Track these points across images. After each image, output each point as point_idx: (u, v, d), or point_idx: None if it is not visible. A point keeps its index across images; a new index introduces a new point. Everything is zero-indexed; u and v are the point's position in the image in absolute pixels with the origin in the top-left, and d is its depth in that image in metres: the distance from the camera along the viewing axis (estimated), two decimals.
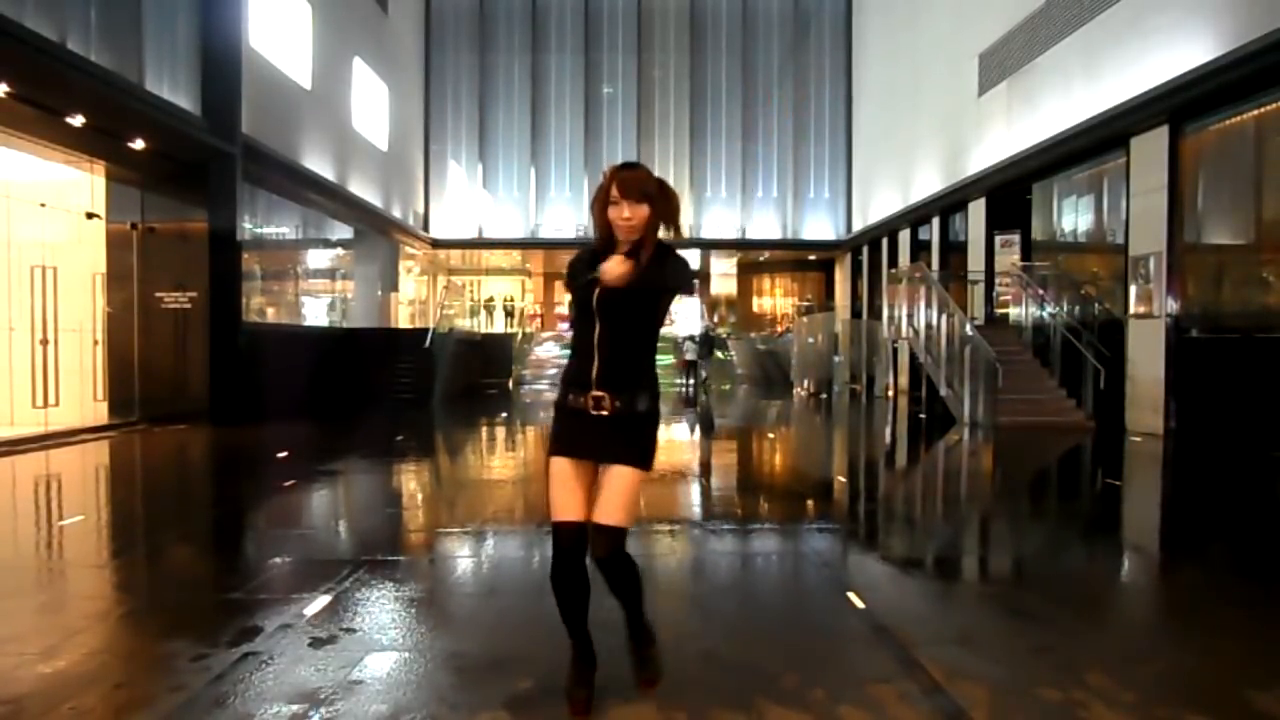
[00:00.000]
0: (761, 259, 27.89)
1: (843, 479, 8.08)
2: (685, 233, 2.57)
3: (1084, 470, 8.51)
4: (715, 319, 28.91)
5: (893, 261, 19.18)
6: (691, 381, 19.85)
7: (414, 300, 23.39)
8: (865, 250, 21.86)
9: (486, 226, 23.75)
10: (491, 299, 30.30)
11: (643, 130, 23.56)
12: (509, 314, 30.02)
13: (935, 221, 17.14)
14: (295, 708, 2.56)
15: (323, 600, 3.60)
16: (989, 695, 2.64)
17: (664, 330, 2.63)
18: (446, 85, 23.60)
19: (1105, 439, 10.06)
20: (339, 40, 16.51)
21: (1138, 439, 9.83)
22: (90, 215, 11.33)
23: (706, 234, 23.77)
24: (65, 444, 9.25)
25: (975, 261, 15.01)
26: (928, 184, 17.17)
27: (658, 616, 3.31)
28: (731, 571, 4.42)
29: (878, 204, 20.79)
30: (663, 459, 8.16)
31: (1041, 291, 12.78)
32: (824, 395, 18.42)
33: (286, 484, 6.98)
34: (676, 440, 10.73)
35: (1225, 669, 2.93)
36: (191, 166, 11.38)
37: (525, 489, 6.98)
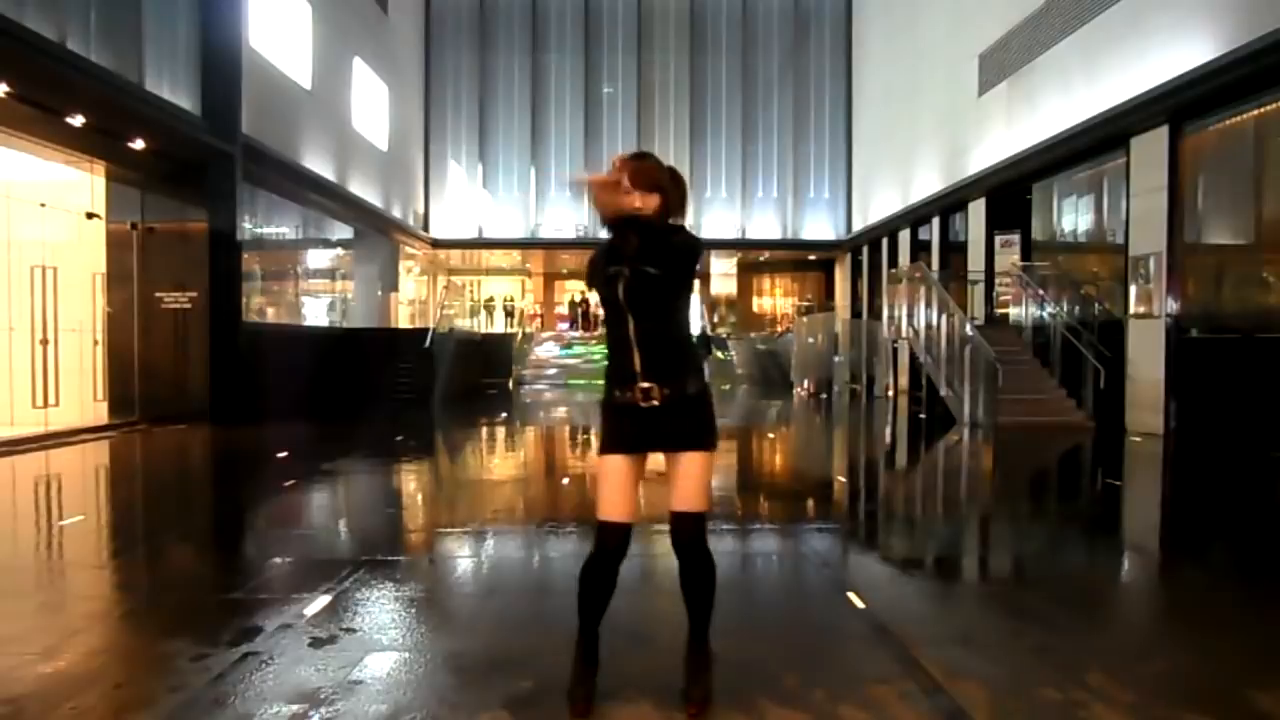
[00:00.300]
0: (761, 259, 27.90)
1: (843, 479, 8.08)
2: (690, 220, 2.58)
3: (1084, 470, 8.51)
4: (715, 319, 28.91)
5: (893, 261, 19.18)
6: None
7: (414, 300, 23.39)
8: (865, 250, 21.86)
9: (486, 226, 23.75)
10: (491, 299, 30.31)
11: (643, 130, 23.56)
12: (509, 314, 30.03)
13: (935, 221, 17.14)
14: (295, 708, 2.56)
15: (323, 600, 3.60)
16: (989, 695, 2.64)
17: None
18: (446, 85, 23.61)
19: (1105, 439, 10.05)
20: (339, 40, 16.51)
21: (1138, 439, 9.83)
22: (90, 215, 11.33)
23: (706, 234, 23.73)
24: (65, 444, 9.25)
25: (975, 261, 15.01)
26: (928, 184, 17.17)
27: (658, 616, 3.32)
28: (732, 571, 4.41)
29: (878, 204, 20.79)
30: (661, 458, 8.15)
31: (1041, 291, 12.77)
32: (824, 395, 18.42)
33: (286, 484, 6.98)
34: None
35: (1225, 669, 2.92)
36: (191, 166, 11.38)
37: (525, 489, 6.99)
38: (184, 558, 4.75)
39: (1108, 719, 2.49)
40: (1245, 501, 6.52)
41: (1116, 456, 8.95)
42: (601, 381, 2.64)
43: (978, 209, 15.09)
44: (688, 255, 2.51)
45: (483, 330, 25.80)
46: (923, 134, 17.71)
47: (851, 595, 3.71)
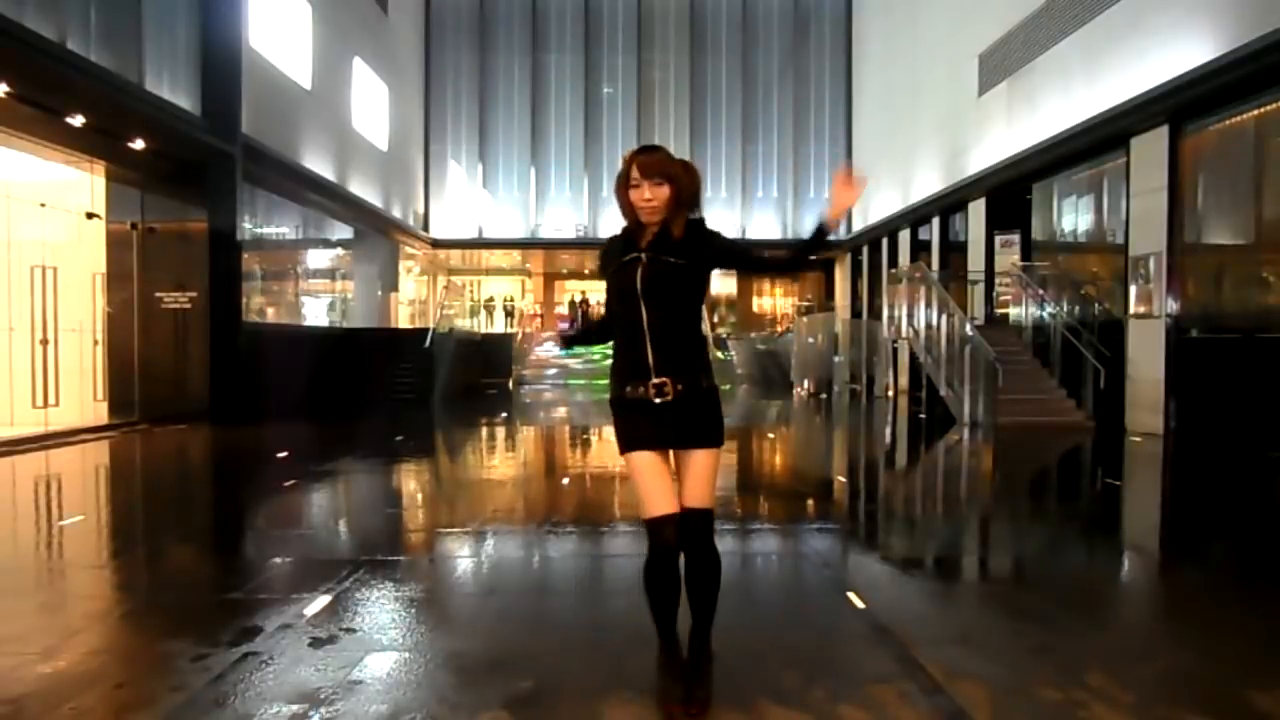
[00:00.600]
0: None
1: (843, 479, 8.08)
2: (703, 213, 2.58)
3: (1084, 470, 8.51)
4: (715, 319, 28.91)
5: (893, 261, 19.18)
6: None
7: (414, 300, 23.39)
8: (865, 250, 21.86)
9: (486, 226, 23.76)
10: (491, 299, 30.31)
11: (643, 130, 23.56)
12: (509, 314, 30.02)
13: (935, 221, 17.14)
14: (295, 708, 2.56)
15: (323, 600, 3.60)
16: (989, 695, 2.64)
17: None
18: (446, 85, 23.61)
19: (1105, 439, 10.05)
20: (339, 40, 16.51)
21: (1137, 439, 9.83)
22: (90, 215, 11.34)
23: None
24: (65, 444, 9.25)
25: (975, 261, 15.01)
26: (928, 184, 17.17)
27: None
28: (732, 571, 4.40)
29: (878, 204, 20.79)
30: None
31: (1041, 291, 12.77)
32: (824, 395, 18.42)
33: (286, 484, 6.98)
34: None
35: (1225, 669, 2.92)
36: (191, 166, 11.38)
37: (525, 489, 6.99)
38: (184, 558, 4.75)
39: (1108, 719, 2.49)
40: (1245, 501, 6.52)
41: (1116, 456, 8.95)
42: (602, 381, 2.63)
43: (978, 209, 15.09)
44: (707, 245, 2.52)
45: (483, 330, 25.80)
46: (923, 134, 17.71)
47: (851, 595, 3.71)
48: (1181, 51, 9.48)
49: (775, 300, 29.02)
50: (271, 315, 14.05)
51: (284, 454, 8.71)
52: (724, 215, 23.84)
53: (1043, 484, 7.83)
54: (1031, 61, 13.17)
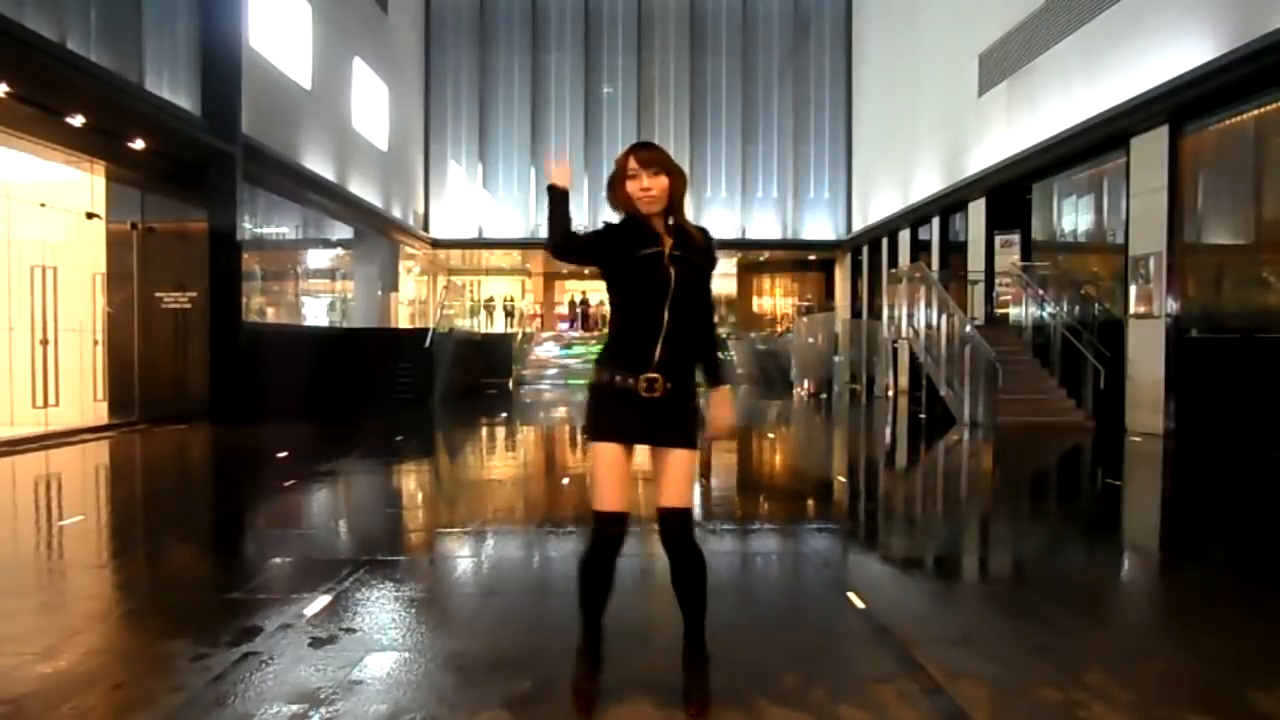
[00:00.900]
0: (761, 259, 27.88)
1: (843, 479, 8.08)
2: (690, 219, 2.58)
3: (1084, 470, 8.51)
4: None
5: (893, 261, 19.18)
6: None
7: (414, 300, 23.39)
8: (865, 250, 21.86)
9: (486, 226, 23.75)
10: (491, 299, 30.32)
11: (643, 130, 23.54)
12: (509, 314, 30.03)
13: (935, 221, 17.14)
14: (295, 708, 2.56)
15: (323, 600, 3.60)
16: (989, 695, 2.64)
17: None
18: (446, 85, 23.60)
19: (1105, 439, 10.05)
20: (339, 40, 16.51)
21: (1138, 439, 9.83)
22: (90, 215, 11.34)
23: None
24: (65, 444, 9.25)
25: (975, 261, 15.01)
26: (928, 184, 17.17)
27: (658, 616, 3.31)
28: (732, 571, 4.41)
29: (878, 204, 20.79)
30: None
31: (1041, 291, 12.78)
32: (824, 395, 18.42)
33: (286, 484, 6.98)
34: None
35: (1225, 669, 2.92)
36: (191, 166, 11.38)
37: (525, 489, 6.98)
38: (184, 558, 4.75)
39: (1108, 719, 2.49)
40: (1245, 501, 6.52)
41: (1116, 456, 8.95)
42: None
43: (978, 209, 15.09)
44: (712, 249, 2.63)
45: (483, 330, 25.80)
46: (923, 134, 17.71)
47: (851, 595, 3.71)
48: (1181, 51, 9.48)
49: (775, 300, 29.02)
50: (271, 315, 14.05)
51: (284, 454, 8.71)
52: (724, 215, 23.84)
53: (1043, 484, 7.83)
54: (1031, 61, 13.17)
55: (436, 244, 23.62)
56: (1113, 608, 3.92)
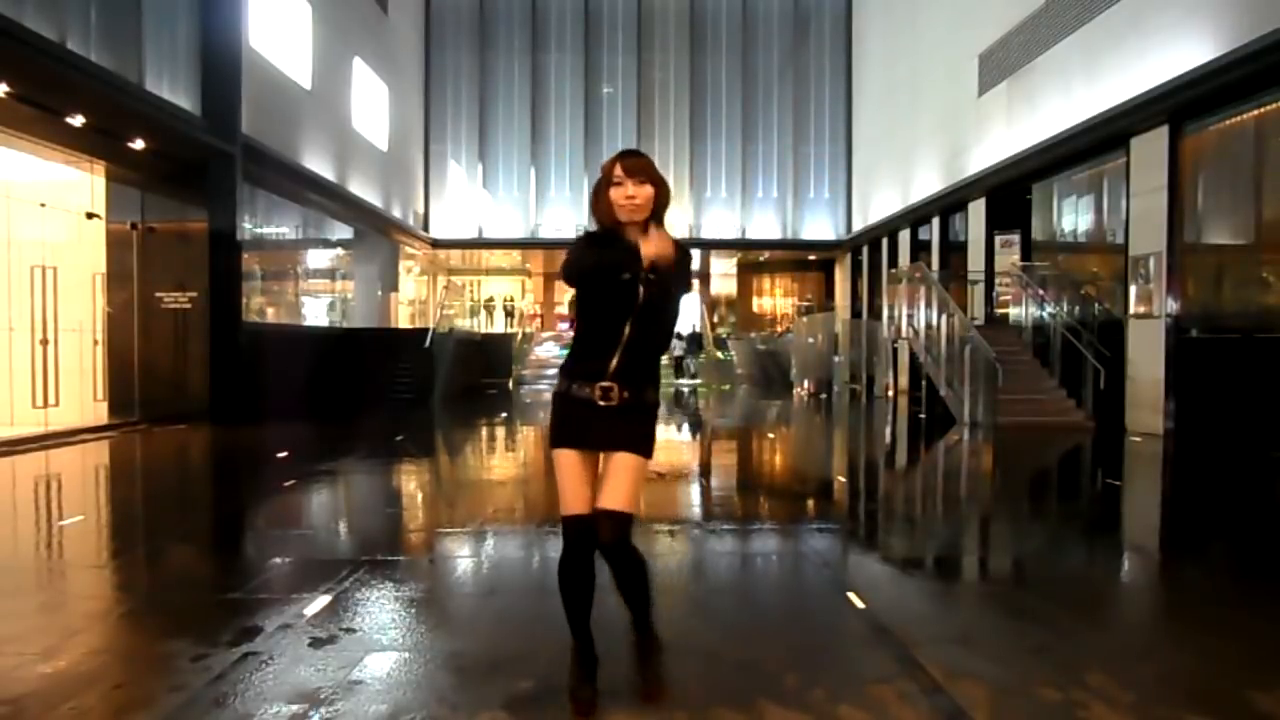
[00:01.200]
0: (761, 259, 27.89)
1: (843, 479, 8.08)
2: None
3: (1084, 470, 8.51)
4: (715, 319, 28.93)
5: (893, 261, 19.18)
6: (683, 381, 19.99)
7: (414, 300, 23.39)
8: (865, 250, 21.86)
9: (486, 226, 23.75)
10: (491, 299, 30.32)
11: (643, 130, 23.55)
12: (509, 314, 30.03)
13: (935, 221, 17.14)
14: (295, 708, 2.56)
15: (323, 600, 3.60)
16: (989, 695, 2.64)
17: None
18: (446, 85, 23.60)
19: (1105, 439, 10.06)
20: (339, 40, 16.51)
21: (1137, 439, 9.83)
22: (90, 215, 11.34)
23: (706, 234, 23.76)
24: (65, 444, 9.25)
25: (975, 261, 15.01)
26: (928, 184, 17.17)
27: (658, 616, 3.31)
28: (732, 571, 4.42)
29: (878, 204, 20.79)
30: (661, 458, 8.17)
31: (1041, 291, 12.78)
32: (824, 395, 18.42)
33: (286, 484, 6.98)
34: (675, 440, 10.73)
35: (1225, 669, 2.93)
36: (191, 166, 11.38)
37: (525, 489, 6.99)
38: (184, 558, 4.75)
39: (1107, 719, 2.49)
40: (1245, 501, 6.52)
41: (1116, 456, 8.95)
42: None
43: (978, 209, 15.09)
44: (688, 274, 2.61)
45: (483, 330, 25.80)
46: (923, 134, 17.71)
47: (851, 595, 3.71)
48: (1181, 51, 9.48)
49: (775, 300, 29.03)
50: (271, 315, 14.05)
51: (284, 454, 8.71)
52: (724, 215, 23.84)
53: (1043, 484, 7.83)
54: (1031, 61, 13.17)
55: (436, 244, 23.61)
56: (1113, 608, 3.93)
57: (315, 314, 16.61)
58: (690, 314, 26.84)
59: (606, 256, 2.44)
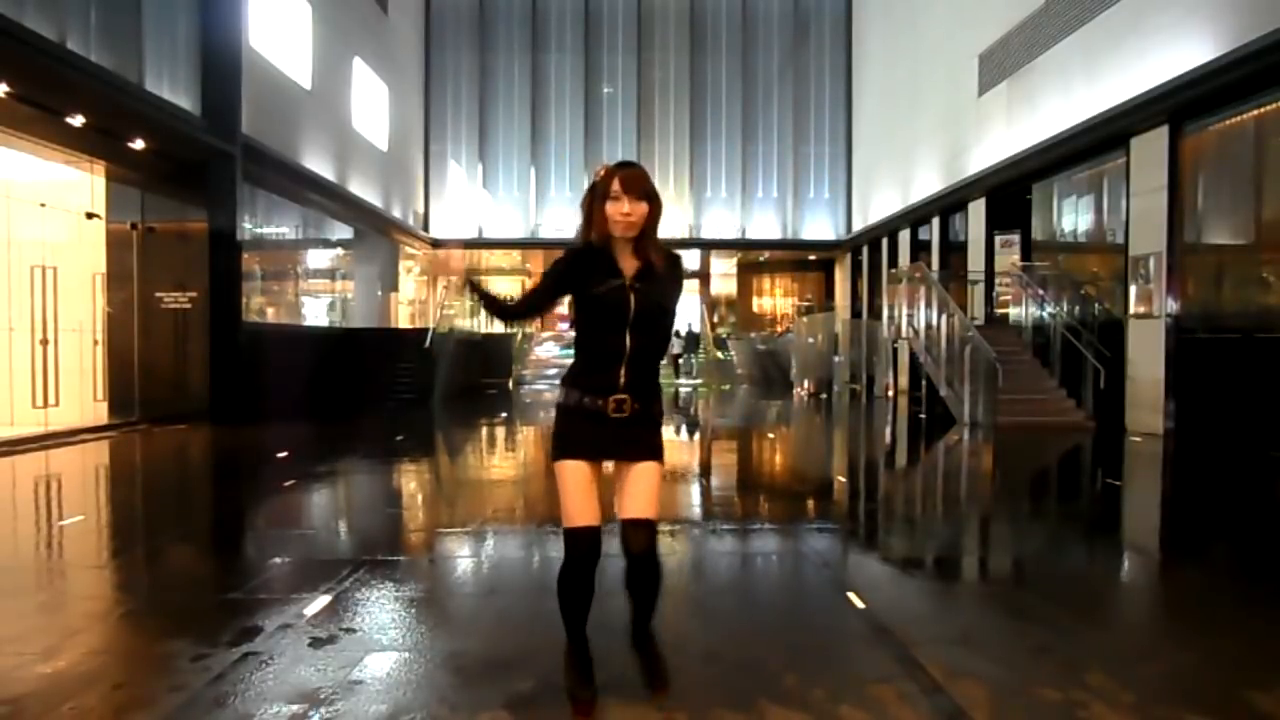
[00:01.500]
0: (761, 259, 27.89)
1: (843, 479, 8.08)
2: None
3: (1084, 470, 8.51)
4: (715, 319, 28.92)
5: (893, 261, 19.18)
6: (682, 380, 20.01)
7: (414, 300, 23.38)
8: (865, 250, 21.86)
9: (486, 226, 23.75)
10: None
11: (643, 130, 23.55)
12: None
13: (935, 221, 17.14)
14: (295, 708, 2.56)
15: (323, 600, 3.60)
16: (989, 695, 2.64)
17: None
18: (446, 85, 23.60)
19: (1105, 439, 10.06)
20: (339, 40, 16.51)
21: (1138, 439, 9.83)
22: (90, 215, 11.33)
23: (706, 234, 23.76)
24: (65, 444, 9.25)
25: (975, 261, 15.01)
26: (928, 184, 17.17)
27: (658, 616, 3.31)
28: (732, 571, 4.42)
29: (878, 204, 20.79)
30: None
31: (1041, 291, 12.78)
32: (824, 395, 18.42)
33: (286, 484, 6.98)
34: (675, 440, 10.73)
35: (1225, 669, 2.93)
36: (191, 166, 11.38)
37: (525, 489, 6.99)
38: (184, 558, 4.75)
39: (1108, 719, 2.49)
40: (1245, 501, 6.52)
41: (1116, 456, 8.95)
42: None
43: (978, 209, 15.09)
44: (681, 282, 2.64)
45: (483, 330, 25.78)
46: (923, 134, 17.71)
47: (851, 595, 3.71)
48: (1181, 51, 9.48)
49: (775, 300, 29.03)
50: (271, 315, 14.04)
51: (284, 454, 8.71)
52: (724, 215, 23.84)
53: (1043, 484, 7.83)
54: (1031, 61, 13.17)
55: (436, 244, 23.61)
56: (1113, 608, 3.93)
57: (315, 314, 16.61)
58: (689, 313, 26.85)
59: (595, 279, 2.50)
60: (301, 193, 14.70)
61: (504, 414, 14.69)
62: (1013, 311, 14.02)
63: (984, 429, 10.86)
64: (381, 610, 3.55)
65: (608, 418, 2.48)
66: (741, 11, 23.66)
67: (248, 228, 12.44)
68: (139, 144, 10.42)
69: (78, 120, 9.34)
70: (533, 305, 2.71)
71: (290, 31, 14.20)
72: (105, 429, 10.37)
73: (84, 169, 11.07)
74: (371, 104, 18.57)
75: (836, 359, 19.39)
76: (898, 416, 13.81)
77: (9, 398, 10.61)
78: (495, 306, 2.67)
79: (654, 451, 2.55)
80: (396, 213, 20.21)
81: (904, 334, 14.35)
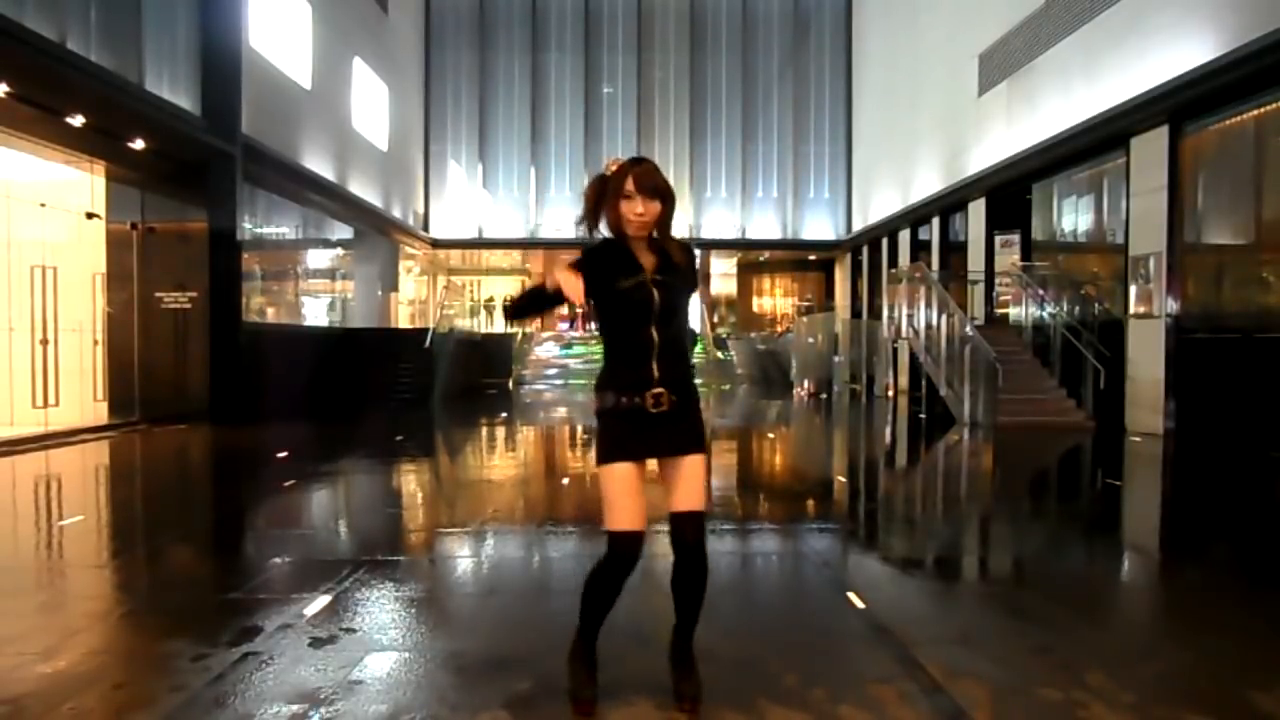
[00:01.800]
0: (761, 259, 27.88)
1: (843, 479, 8.07)
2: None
3: (1084, 470, 8.51)
4: (715, 319, 28.91)
5: (893, 261, 19.18)
6: None
7: (414, 300, 23.38)
8: (865, 250, 21.86)
9: (486, 226, 23.75)
10: (491, 299, 30.28)
11: (643, 130, 23.55)
12: None
13: (935, 221, 17.14)
14: (295, 708, 2.56)
15: (323, 600, 3.60)
16: (989, 695, 2.64)
17: None
18: (446, 85, 23.60)
19: (1105, 439, 10.06)
20: (339, 40, 16.51)
21: (1137, 439, 9.83)
22: (90, 215, 11.34)
23: (706, 234, 23.75)
24: (65, 444, 9.25)
25: (975, 261, 15.01)
26: (928, 184, 17.17)
27: (658, 616, 3.31)
28: (731, 571, 4.41)
29: (878, 204, 20.79)
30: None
31: (1041, 291, 12.77)
32: (824, 395, 18.42)
33: (286, 484, 6.98)
34: None
35: (1225, 669, 2.93)
36: (191, 166, 11.38)
37: (525, 489, 6.98)
38: (184, 558, 4.75)
39: (1107, 719, 2.49)
40: (1245, 501, 6.52)
41: (1116, 456, 8.95)
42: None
43: (978, 209, 15.09)
44: (696, 271, 2.66)
45: (483, 330, 25.79)
46: (923, 134, 17.71)
47: (851, 595, 3.71)
48: (1181, 51, 9.48)
49: (775, 300, 29.03)
50: (271, 315, 14.04)
51: (284, 454, 8.70)
52: (724, 215, 23.84)
53: (1043, 484, 7.83)
54: (1031, 61, 13.17)
55: (436, 244, 23.62)
56: (1113, 608, 3.92)
57: (315, 314, 16.61)
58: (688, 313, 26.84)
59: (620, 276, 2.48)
60: (301, 193, 14.70)
61: (504, 414, 14.69)
62: (1013, 311, 14.02)
63: (984, 429, 10.86)
64: (381, 610, 3.55)
65: (647, 414, 2.46)
66: (741, 11, 23.67)
67: (248, 228, 12.44)
68: (139, 144, 10.42)
69: (78, 120, 9.34)
70: (538, 306, 2.70)
71: (290, 31, 14.20)
72: (105, 429, 10.37)
73: (84, 169, 11.07)
74: (371, 104, 18.57)
75: (836, 359, 19.39)
76: (898, 416, 13.81)
77: (9, 398, 10.61)
78: (537, 300, 2.61)
79: (698, 442, 2.53)
80: (396, 213, 20.21)
81: (904, 334, 14.35)
